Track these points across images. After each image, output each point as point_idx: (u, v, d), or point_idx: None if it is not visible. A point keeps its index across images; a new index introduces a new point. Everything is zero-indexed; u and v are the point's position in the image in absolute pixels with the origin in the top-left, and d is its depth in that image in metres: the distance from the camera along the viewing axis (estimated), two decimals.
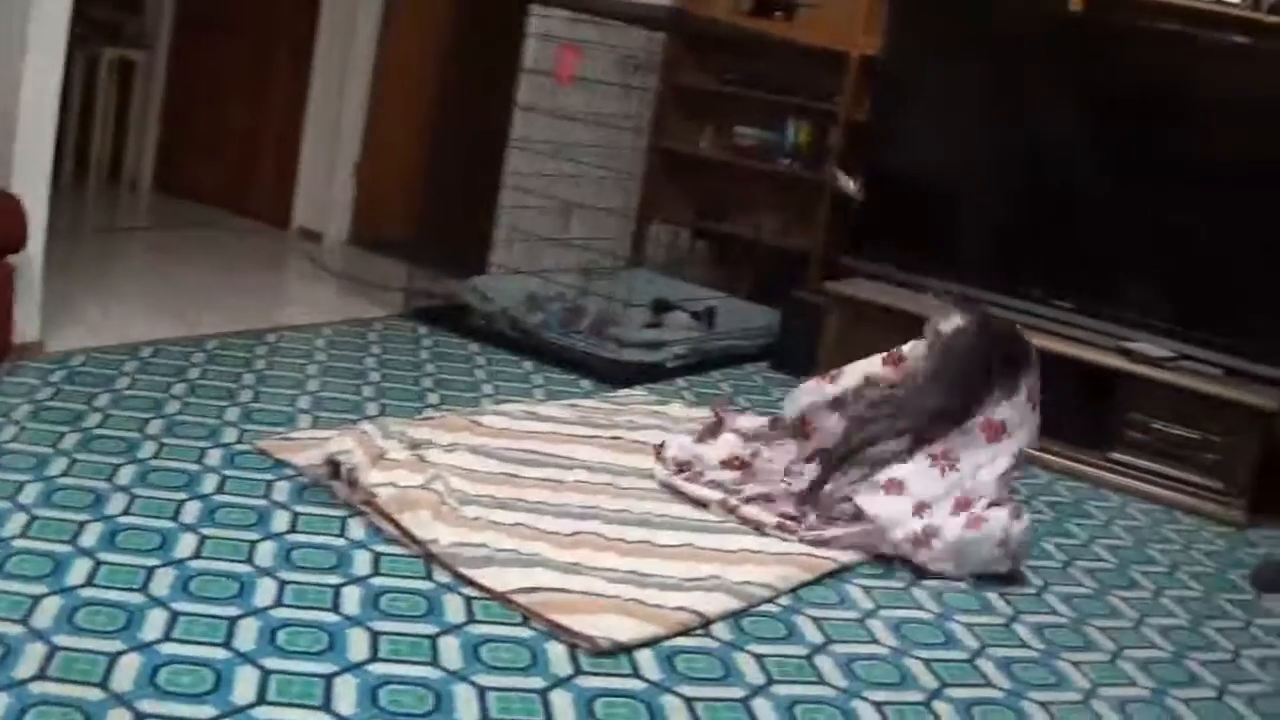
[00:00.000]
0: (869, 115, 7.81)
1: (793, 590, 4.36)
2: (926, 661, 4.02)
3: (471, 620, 3.68)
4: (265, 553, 3.89)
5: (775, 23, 8.57)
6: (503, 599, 3.81)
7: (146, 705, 2.98)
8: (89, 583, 3.52)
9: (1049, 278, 7.03)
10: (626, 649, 3.65)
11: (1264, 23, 6.99)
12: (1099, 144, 7.04)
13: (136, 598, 3.47)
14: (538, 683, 3.39)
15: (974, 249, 7.35)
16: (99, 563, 3.64)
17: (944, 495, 4.85)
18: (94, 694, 2.98)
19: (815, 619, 4.18)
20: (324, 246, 8.77)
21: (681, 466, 5.20)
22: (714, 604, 4.05)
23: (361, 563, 3.94)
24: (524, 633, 3.66)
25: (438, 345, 6.69)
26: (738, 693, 3.57)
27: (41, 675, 3.03)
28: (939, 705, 3.75)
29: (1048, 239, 7.13)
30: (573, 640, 3.63)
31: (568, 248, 7.14)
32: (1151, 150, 6.81)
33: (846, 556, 4.71)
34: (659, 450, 5.35)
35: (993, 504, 4.83)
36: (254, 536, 3.99)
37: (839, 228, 8.04)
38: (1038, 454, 6.14)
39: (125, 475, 4.31)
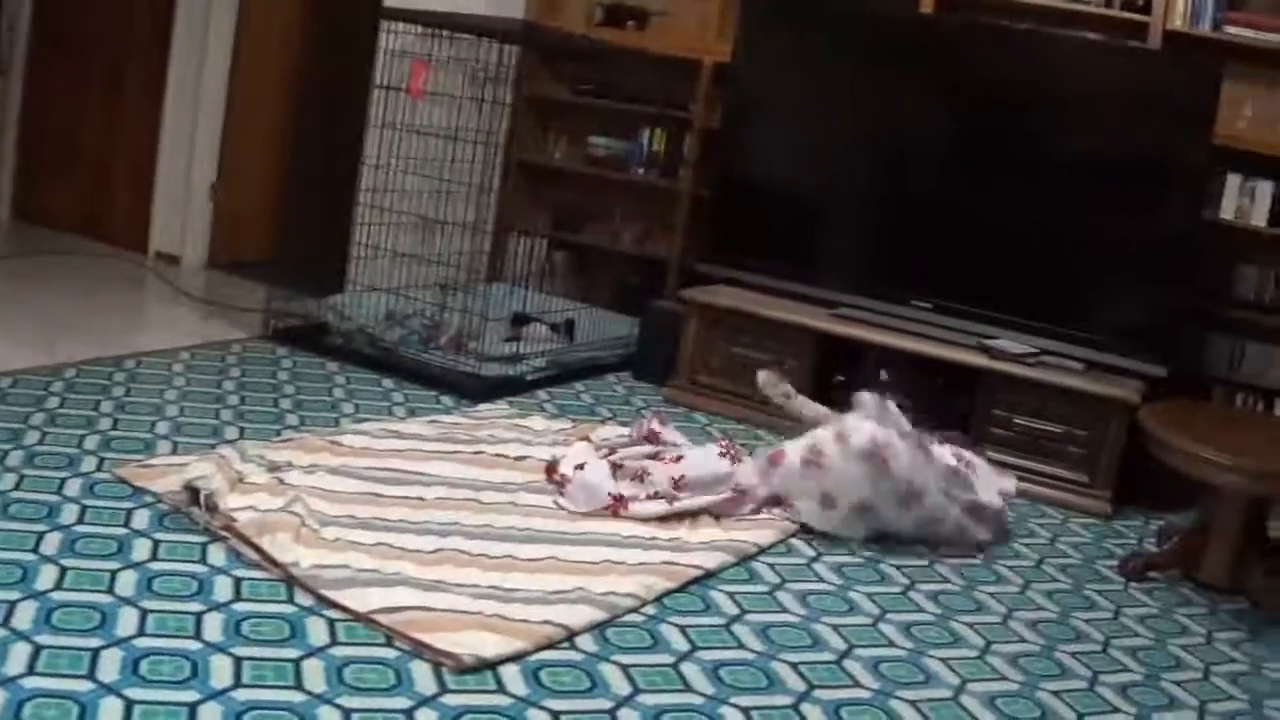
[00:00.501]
0: (721, 122, 7.87)
1: (657, 599, 4.38)
2: (793, 664, 4.06)
3: (335, 642, 3.68)
4: (126, 582, 3.86)
5: (628, 33, 8.62)
6: (365, 620, 3.81)
7: None
8: None
9: (907, 278, 7.12)
10: (491, 665, 3.66)
11: (1116, 19, 7.13)
12: (953, 144, 7.15)
13: None
14: (403, 703, 3.40)
15: (831, 252, 7.43)
16: None
17: None
18: None
19: (680, 626, 4.21)
20: (182, 270, 8.72)
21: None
22: (578, 616, 4.07)
23: (223, 588, 3.92)
24: (388, 653, 3.66)
25: (297, 366, 6.68)
26: (604, 704, 3.59)
27: None
28: (807, 708, 3.79)
29: (905, 240, 7.22)
30: (437, 658, 3.64)
31: (426, 263, 7.13)
32: (1007, 149, 6.93)
33: (712, 563, 4.74)
34: (552, 470, 5.44)
35: None
36: (115, 566, 3.96)
37: (696, 235, 8.09)
38: None
39: None
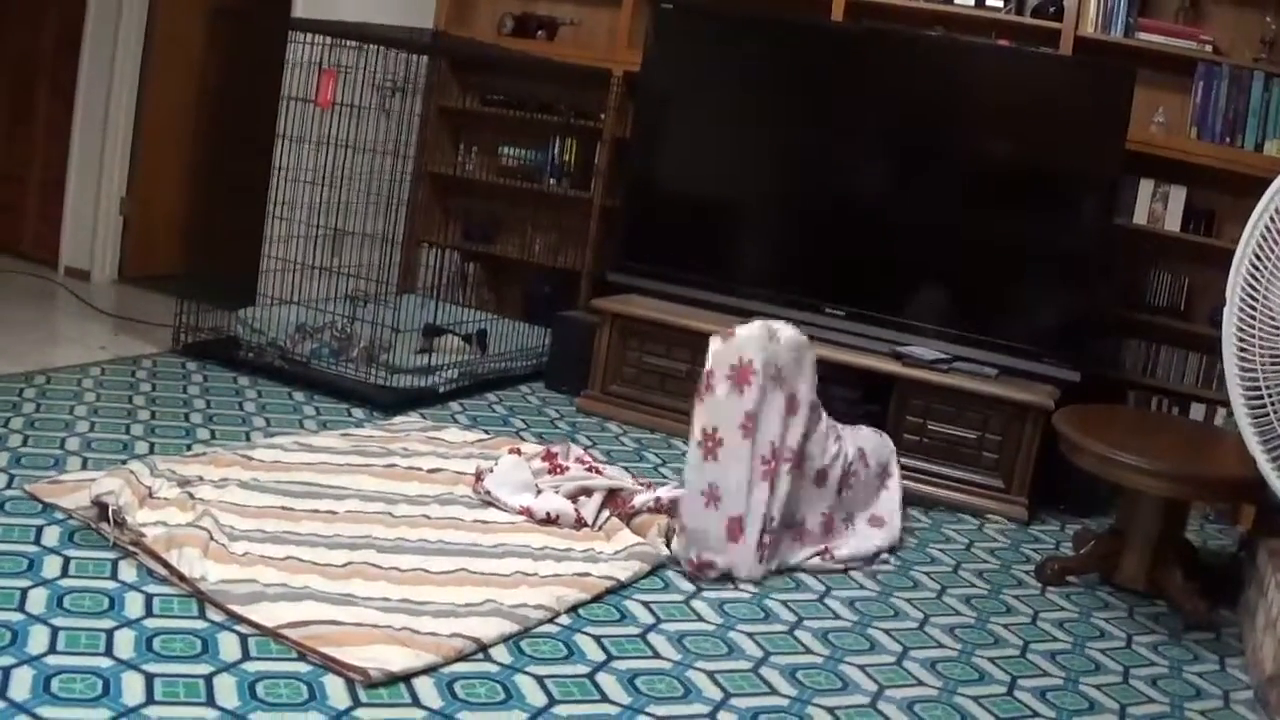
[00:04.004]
0: (632, 131, 7.89)
1: (571, 610, 4.38)
2: (710, 673, 4.07)
3: (247, 658, 3.66)
4: (37, 599, 3.83)
5: (538, 42, 8.64)
6: (274, 634, 3.80)
7: None
8: None
9: (820, 286, 7.15)
10: (400, 679, 3.65)
11: (1028, 25, 7.21)
12: (864, 151, 7.19)
13: None
14: (316, 718, 3.39)
15: (743, 260, 7.45)
16: None
17: None
18: None
19: (595, 637, 4.21)
20: (93, 285, 8.68)
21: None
22: (489, 629, 4.06)
23: (134, 605, 3.90)
24: (300, 668, 3.65)
25: (207, 380, 6.66)
26: (519, 716, 3.59)
27: None
28: (724, 716, 3.80)
29: (817, 247, 7.25)
30: (345, 672, 3.63)
31: (337, 276, 7.12)
32: (919, 156, 6.99)
33: (625, 573, 4.75)
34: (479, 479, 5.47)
35: None
36: (25, 583, 3.93)
37: (609, 245, 8.11)
38: None
39: None
